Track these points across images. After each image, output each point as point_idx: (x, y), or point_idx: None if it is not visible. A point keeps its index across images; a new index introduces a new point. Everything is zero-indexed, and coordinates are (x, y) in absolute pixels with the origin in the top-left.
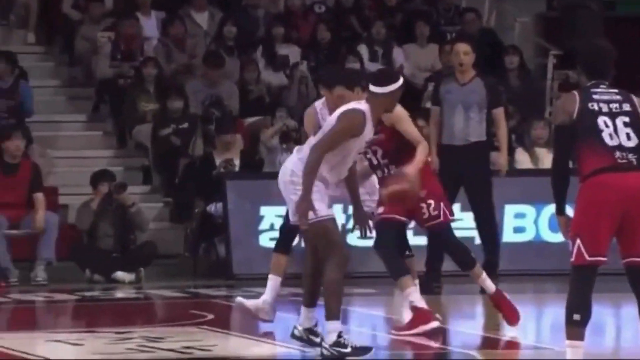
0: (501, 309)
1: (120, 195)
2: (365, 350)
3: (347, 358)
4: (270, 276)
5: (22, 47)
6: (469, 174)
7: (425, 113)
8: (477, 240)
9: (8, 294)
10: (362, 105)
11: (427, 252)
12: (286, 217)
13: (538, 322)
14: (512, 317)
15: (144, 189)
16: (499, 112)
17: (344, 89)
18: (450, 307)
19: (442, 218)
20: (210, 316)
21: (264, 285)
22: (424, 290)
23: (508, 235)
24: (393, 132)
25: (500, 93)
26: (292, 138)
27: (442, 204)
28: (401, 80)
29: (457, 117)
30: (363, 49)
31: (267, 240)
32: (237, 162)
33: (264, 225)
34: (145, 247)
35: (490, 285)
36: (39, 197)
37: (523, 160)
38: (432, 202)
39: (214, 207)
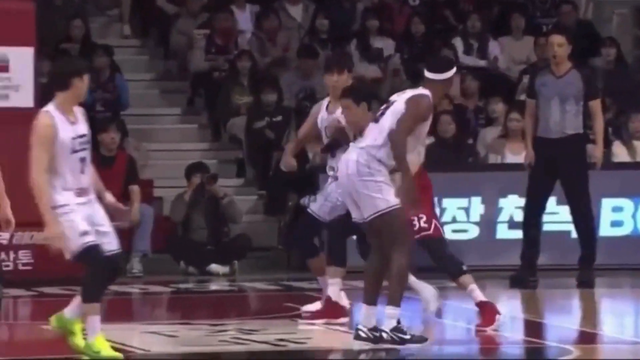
0: (482, 311)
1: (211, 187)
2: (422, 339)
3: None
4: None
5: (118, 40)
6: (564, 167)
7: (520, 106)
8: (574, 234)
9: None
10: (425, 90)
11: (522, 246)
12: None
13: (636, 317)
14: (487, 320)
15: (237, 182)
16: (596, 104)
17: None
18: (546, 301)
19: (431, 231)
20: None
21: (355, 278)
22: (519, 285)
23: (605, 229)
24: None
25: (597, 85)
26: None
27: (433, 220)
28: (455, 68)
29: (553, 110)
30: (458, 42)
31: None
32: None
33: None
34: (239, 240)
35: (478, 295)
36: (135, 189)
37: (620, 153)
38: (423, 216)
39: (308, 200)
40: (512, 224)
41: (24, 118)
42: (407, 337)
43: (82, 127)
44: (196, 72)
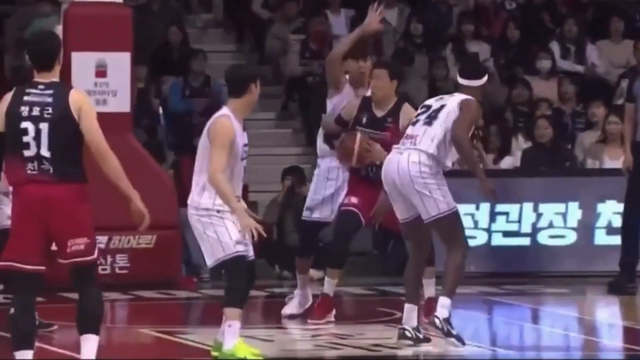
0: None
1: (300, 189)
2: (461, 340)
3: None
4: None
5: (213, 46)
6: None
7: (619, 110)
8: None
9: (200, 289)
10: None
11: (621, 252)
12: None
13: None
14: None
15: None
16: None
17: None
18: None
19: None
20: (399, 314)
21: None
22: (617, 291)
23: None
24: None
25: None
26: (475, 135)
27: None
28: (487, 75)
29: None
30: (555, 46)
31: None
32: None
33: None
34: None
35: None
36: None
37: None
38: None
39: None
40: (610, 230)
41: (121, 123)
42: (454, 331)
43: (246, 136)
44: (291, 77)
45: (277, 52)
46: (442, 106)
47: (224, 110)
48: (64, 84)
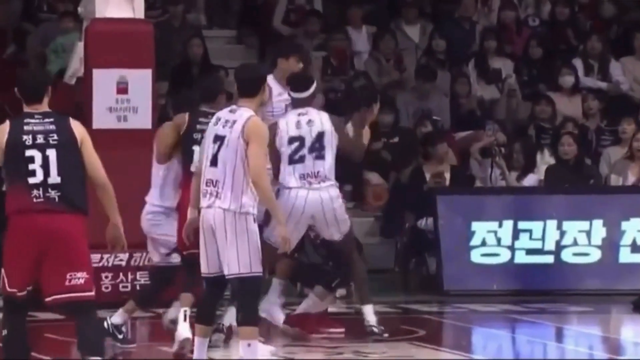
0: None
1: None
2: None
3: None
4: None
5: (234, 62)
6: None
7: None
8: None
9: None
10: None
11: None
12: None
13: None
14: None
15: (353, 203)
16: None
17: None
18: None
19: None
20: (422, 332)
21: (475, 301)
22: None
23: None
24: None
25: None
26: (497, 152)
27: None
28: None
29: None
30: (578, 63)
31: (478, 256)
32: (447, 175)
33: (475, 241)
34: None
35: None
36: None
37: None
38: None
39: (425, 222)
40: (635, 248)
41: (142, 139)
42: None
43: None
44: None
45: None
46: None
47: (248, 111)
48: (59, 113)
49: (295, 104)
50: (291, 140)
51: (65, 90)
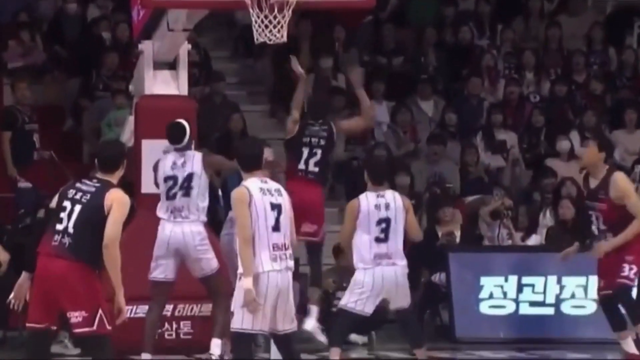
0: None
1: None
2: None
3: None
4: None
5: (268, 134)
6: None
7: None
8: None
9: (255, 352)
10: None
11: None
12: None
13: None
14: None
15: None
16: None
17: None
18: None
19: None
20: None
21: (484, 349)
22: None
23: None
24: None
25: None
26: (505, 215)
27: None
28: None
29: None
30: (575, 135)
31: (486, 308)
32: (457, 234)
33: (483, 294)
34: (376, 312)
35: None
36: None
37: None
38: (634, 266)
39: (438, 277)
40: None
41: None
42: None
43: None
44: (337, 162)
45: None
46: None
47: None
48: (111, 184)
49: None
50: None
51: None
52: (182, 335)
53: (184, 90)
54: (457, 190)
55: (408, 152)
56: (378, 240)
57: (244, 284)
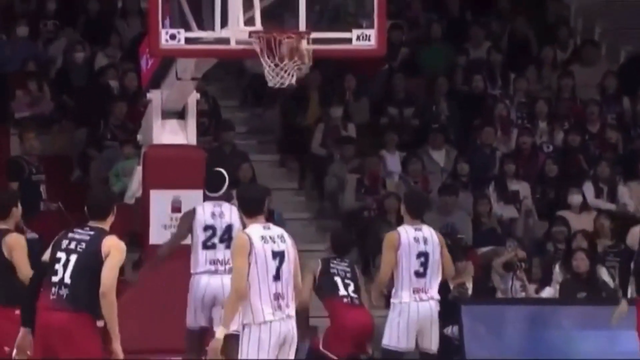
0: None
1: None
2: None
3: None
4: None
5: (278, 184)
6: None
7: None
8: None
9: None
10: None
11: None
12: None
13: None
14: None
15: (383, 312)
16: None
17: None
18: None
19: None
20: None
21: None
22: None
23: None
24: None
25: None
26: (519, 267)
27: None
28: None
29: None
30: (589, 186)
31: None
32: (469, 286)
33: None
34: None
35: None
36: None
37: None
38: None
39: (451, 330)
40: None
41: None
42: None
43: None
44: (348, 211)
45: (335, 188)
46: None
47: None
48: (106, 231)
49: None
50: None
51: (125, 210)
52: None
53: (192, 139)
54: (470, 241)
55: None
56: (417, 274)
57: (218, 333)
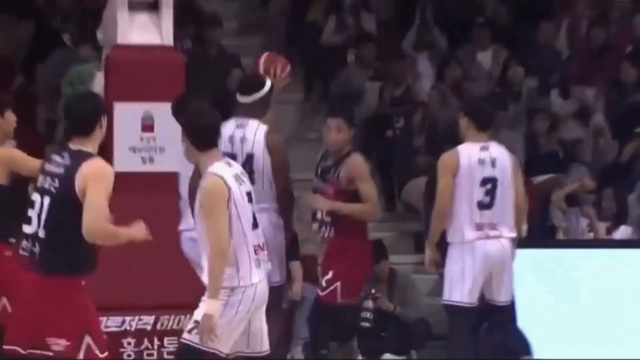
0: None
1: (380, 264)
2: None
3: None
4: None
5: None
6: None
7: None
8: None
9: None
10: None
11: None
12: None
13: None
14: None
15: (416, 259)
16: None
17: None
18: None
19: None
20: None
21: None
22: None
23: None
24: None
25: None
26: (584, 200)
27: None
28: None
29: None
30: None
31: None
32: (524, 226)
33: None
34: (417, 326)
35: None
36: (295, 265)
37: None
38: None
39: None
40: None
41: (167, 184)
42: None
43: None
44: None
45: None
46: None
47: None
48: (83, 155)
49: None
50: None
51: None
52: (166, 355)
53: (168, 38)
54: (523, 168)
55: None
56: (482, 205)
57: (208, 307)
